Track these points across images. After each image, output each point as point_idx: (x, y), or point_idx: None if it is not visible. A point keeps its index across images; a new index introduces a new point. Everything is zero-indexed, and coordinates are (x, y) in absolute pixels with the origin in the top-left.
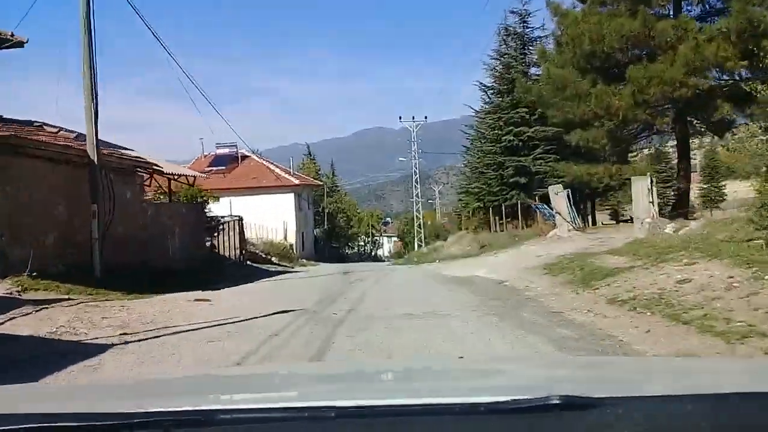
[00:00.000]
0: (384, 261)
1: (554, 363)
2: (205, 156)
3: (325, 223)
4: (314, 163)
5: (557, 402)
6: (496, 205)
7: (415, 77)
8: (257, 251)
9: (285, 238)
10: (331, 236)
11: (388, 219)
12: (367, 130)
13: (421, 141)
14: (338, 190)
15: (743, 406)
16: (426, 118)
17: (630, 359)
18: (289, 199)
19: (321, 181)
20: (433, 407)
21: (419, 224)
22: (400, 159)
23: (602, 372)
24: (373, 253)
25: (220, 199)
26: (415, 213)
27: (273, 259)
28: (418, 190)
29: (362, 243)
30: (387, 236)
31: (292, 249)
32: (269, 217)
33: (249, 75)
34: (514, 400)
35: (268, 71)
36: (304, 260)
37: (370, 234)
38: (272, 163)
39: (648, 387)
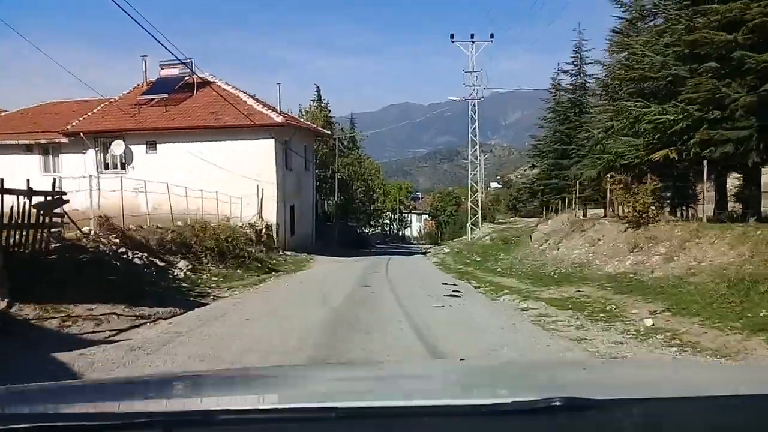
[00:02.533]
0: (416, 247)
1: (556, 365)
2: (149, 83)
3: (336, 193)
4: (323, 108)
5: (559, 404)
6: (725, 153)
7: (443, 54)
8: (134, 253)
9: (260, 214)
10: (347, 212)
11: (418, 193)
12: (395, 105)
13: (450, 115)
14: (357, 149)
15: (743, 409)
16: (492, 36)
17: (630, 362)
18: (266, 148)
19: (332, 132)
20: (435, 409)
21: (474, 198)
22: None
23: (603, 374)
24: (400, 234)
25: (158, 145)
26: (470, 181)
27: (179, 266)
28: (476, 149)
29: (387, 221)
30: (416, 213)
31: (270, 233)
32: (232, 179)
33: (278, 47)
34: (516, 401)
35: (295, 44)
36: (289, 253)
37: (398, 210)
38: (246, 93)
39: (649, 389)
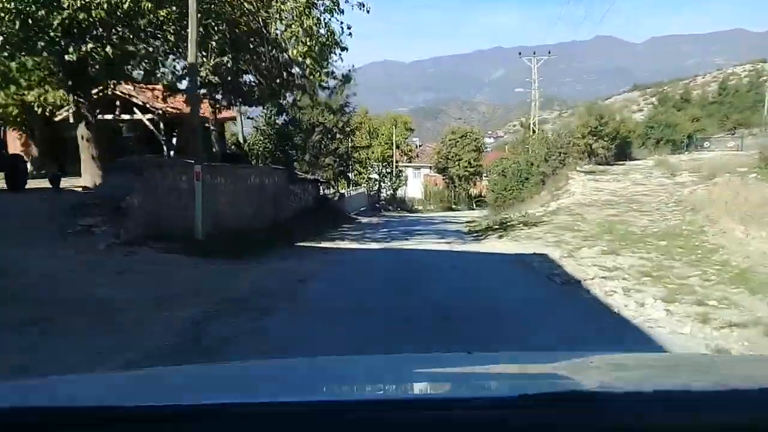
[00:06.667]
0: (445, 220)
1: (562, 359)
2: None
3: (192, 40)
4: None
5: (564, 397)
6: None
7: (426, 8)
8: None
9: None
10: (284, 146)
11: (415, 139)
12: (376, 63)
13: (433, 72)
14: None
15: (749, 403)
16: None
17: (638, 356)
18: None
19: None
20: (439, 402)
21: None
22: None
23: (611, 368)
24: (397, 195)
25: None
26: None
27: None
28: None
29: (375, 175)
30: (413, 166)
31: None
32: None
33: None
34: (522, 395)
35: None
36: None
37: (393, 160)
38: None
39: (655, 383)
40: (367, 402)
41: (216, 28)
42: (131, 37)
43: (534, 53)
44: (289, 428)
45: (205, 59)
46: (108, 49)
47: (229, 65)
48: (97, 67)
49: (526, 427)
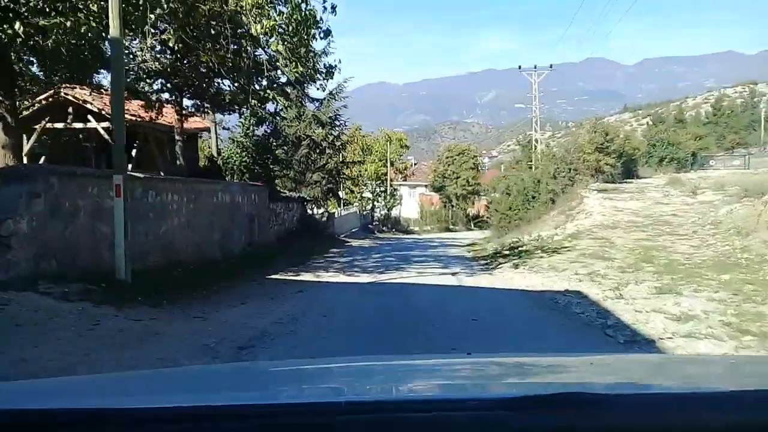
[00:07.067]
0: (451, 243)
1: (564, 360)
2: None
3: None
4: None
5: (566, 398)
6: None
7: (420, 32)
8: None
9: None
10: (264, 159)
11: (410, 157)
12: (370, 85)
13: (426, 94)
14: None
15: (752, 405)
16: None
17: (635, 357)
18: None
19: None
20: (439, 403)
21: None
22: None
23: (613, 369)
24: (392, 215)
25: None
26: None
27: None
28: None
29: (369, 194)
30: (407, 185)
31: None
32: None
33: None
34: (525, 396)
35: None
36: None
37: (386, 180)
38: None
39: (656, 384)
40: (367, 403)
41: (165, 4)
42: (44, 6)
43: (535, 67)
44: (286, 429)
45: (135, 37)
46: (18, 26)
47: (171, 44)
48: (31, 59)
49: (527, 428)
